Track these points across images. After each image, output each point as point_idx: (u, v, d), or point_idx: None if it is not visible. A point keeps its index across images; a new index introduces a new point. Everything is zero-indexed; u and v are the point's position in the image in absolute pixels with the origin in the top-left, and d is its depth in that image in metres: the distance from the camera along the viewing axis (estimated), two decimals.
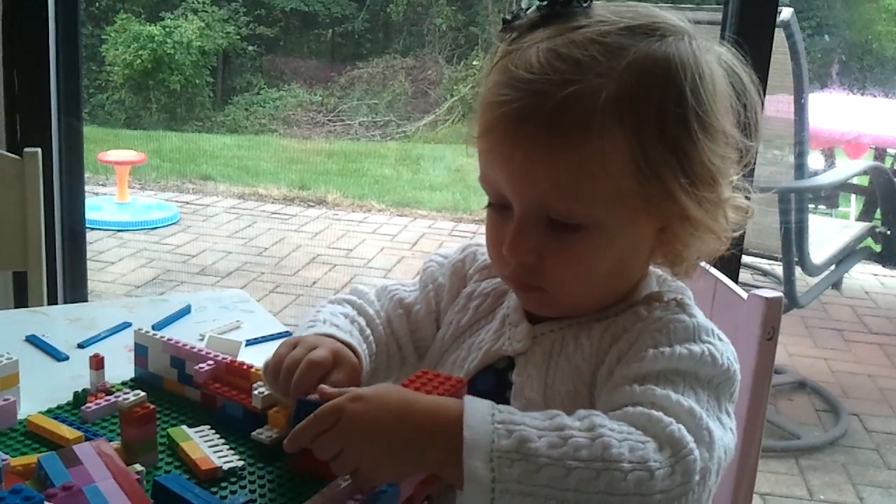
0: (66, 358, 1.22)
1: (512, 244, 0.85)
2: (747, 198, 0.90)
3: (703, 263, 0.93)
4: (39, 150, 1.70)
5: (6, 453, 0.89)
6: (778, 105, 3.01)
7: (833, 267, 3.30)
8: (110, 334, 1.30)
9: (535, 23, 0.86)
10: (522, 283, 0.88)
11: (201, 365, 1.02)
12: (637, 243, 0.87)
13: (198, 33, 6.85)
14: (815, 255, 3.13)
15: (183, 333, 1.18)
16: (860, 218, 3.90)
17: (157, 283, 4.17)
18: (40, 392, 1.04)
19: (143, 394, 0.91)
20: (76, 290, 2.22)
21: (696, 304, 0.91)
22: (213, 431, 0.95)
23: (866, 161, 4.24)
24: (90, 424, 0.97)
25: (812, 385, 3.31)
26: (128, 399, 0.89)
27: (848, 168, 3.83)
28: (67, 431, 0.93)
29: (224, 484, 0.86)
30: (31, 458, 0.84)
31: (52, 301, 1.99)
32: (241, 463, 0.89)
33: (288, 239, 4.92)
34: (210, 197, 5.55)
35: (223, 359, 1.03)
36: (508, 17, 0.88)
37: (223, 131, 6.94)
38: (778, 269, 3.56)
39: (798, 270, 3.10)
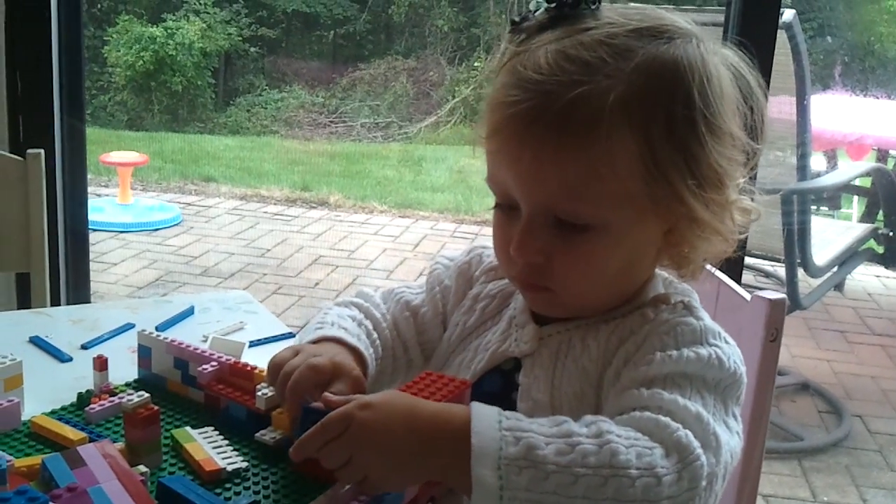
0: (70, 359, 1.22)
1: (520, 244, 0.85)
2: (751, 199, 0.90)
3: (707, 265, 0.93)
4: (42, 151, 1.70)
5: (10, 454, 0.89)
6: (780, 107, 3.01)
7: (835, 268, 3.30)
8: (114, 335, 1.30)
9: (543, 25, 0.86)
10: (530, 284, 0.88)
11: (205, 366, 1.02)
12: (644, 244, 0.87)
13: (199, 35, 6.86)
14: (817, 257, 3.12)
15: (186, 335, 1.18)
16: (862, 219, 3.90)
17: (160, 284, 4.17)
18: (44, 393, 1.04)
19: (146, 395, 0.91)
20: (79, 292, 2.22)
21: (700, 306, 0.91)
22: (216, 433, 0.94)
23: (868, 162, 4.24)
24: (94, 426, 0.97)
25: (815, 387, 3.31)
26: (132, 400, 0.89)
27: (850, 169, 3.83)
28: (71, 432, 0.93)
29: (228, 485, 0.86)
30: (36, 460, 0.84)
31: (55, 302, 1.99)
32: (244, 464, 0.89)
33: (290, 240, 4.92)
34: (212, 198, 5.56)
35: (227, 360, 1.03)
36: (517, 18, 0.88)
37: (225, 133, 6.95)
38: (780, 270, 3.56)
39: (800, 272, 3.10)
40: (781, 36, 2.79)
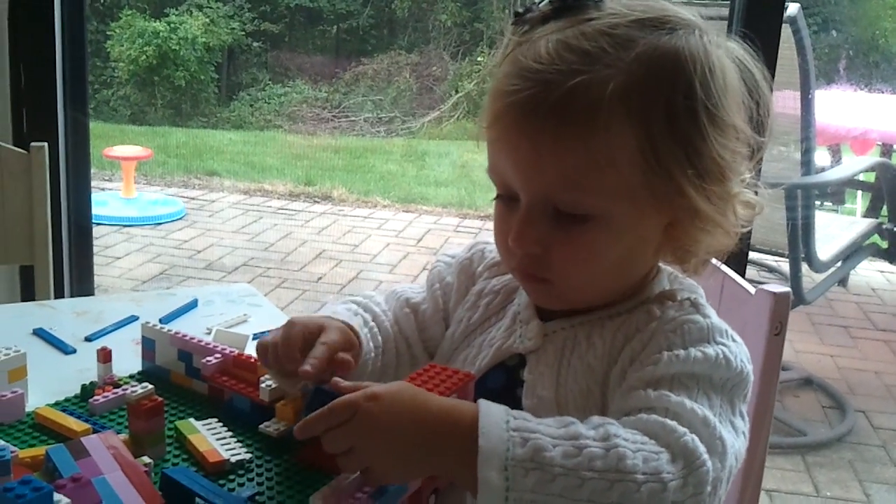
0: (74, 351, 1.22)
1: (518, 234, 0.85)
2: (755, 193, 0.89)
3: (712, 260, 0.93)
4: (46, 144, 1.70)
5: (15, 445, 0.89)
6: (784, 101, 3.00)
7: (839, 263, 3.29)
8: (118, 328, 1.30)
9: (546, 16, 0.86)
10: (528, 275, 0.88)
11: (209, 358, 1.02)
12: (644, 237, 0.86)
13: (203, 29, 6.86)
14: (821, 252, 3.12)
15: (190, 327, 1.18)
16: (866, 214, 3.89)
17: (164, 278, 4.17)
18: (48, 385, 1.04)
19: (150, 386, 0.91)
20: (83, 285, 2.23)
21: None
22: (220, 424, 0.95)
23: (873, 157, 4.23)
24: (98, 417, 0.97)
25: (818, 382, 3.30)
26: (135, 392, 0.89)
27: (854, 164, 3.82)
28: (75, 424, 0.93)
29: (232, 476, 0.87)
30: (40, 450, 0.84)
31: (59, 296, 1.99)
32: (248, 455, 0.89)
33: (294, 234, 4.93)
34: (216, 192, 5.56)
35: (230, 352, 1.03)
36: (521, 10, 0.88)
37: (228, 127, 6.95)
38: (784, 265, 3.55)
39: (804, 267, 3.10)
40: (786, 30, 2.79)
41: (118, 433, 0.89)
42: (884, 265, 4.46)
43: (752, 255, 3.44)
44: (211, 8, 7.04)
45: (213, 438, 0.91)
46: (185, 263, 4.36)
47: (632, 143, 0.80)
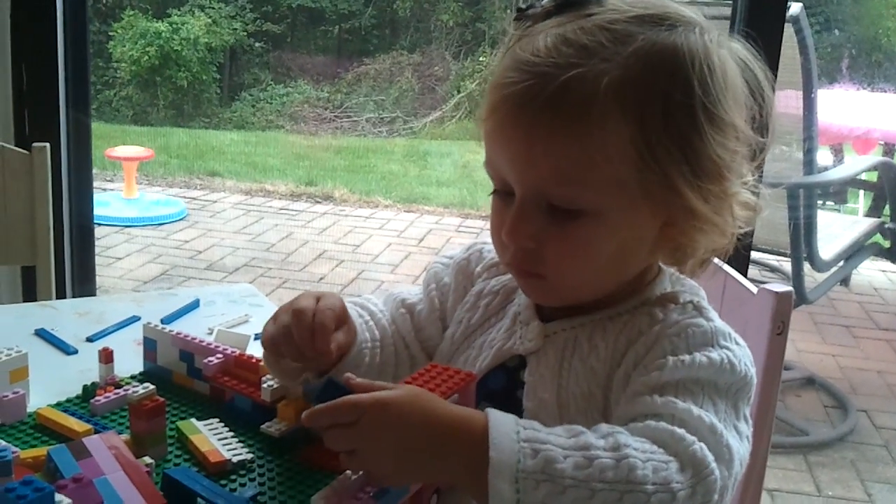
0: (75, 351, 1.22)
1: (511, 229, 0.84)
2: (756, 193, 0.88)
3: (709, 262, 0.92)
4: (48, 145, 1.70)
5: (16, 446, 0.89)
6: (787, 101, 3.00)
7: (841, 263, 3.29)
8: (119, 328, 1.30)
9: (548, 12, 0.86)
10: (522, 269, 0.88)
11: (210, 358, 1.02)
12: (638, 234, 0.85)
13: (205, 30, 6.87)
14: (823, 251, 3.11)
15: (191, 327, 1.18)
16: (869, 214, 3.88)
17: (165, 278, 4.17)
18: (50, 385, 1.04)
19: (152, 387, 0.91)
20: (84, 285, 2.23)
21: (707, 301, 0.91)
22: (222, 424, 0.95)
23: (875, 157, 4.22)
24: (99, 417, 0.98)
25: (820, 381, 3.30)
26: (137, 392, 0.89)
27: (857, 164, 3.81)
28: (77, 424, 0.93)
29: (233, 476, 0.87)
30: (41, 451, 0.84)
31: (61, 296, 1.99)
32: (250, 456, 0.89)
33: (295, 235, 4.93)
34: (217, 193, 5.56)
35: (232, 352, 1.03)
36: (523, 6, 0.88)
37: (230, 127, 6.96)
38: (786, 264, 3.55)
39: (806, 266, 3.09)
40: (788, 30, 2.78)
41: (120, 433, 0.89)
42: (886, 264, 4.45)
43: (754, 254, 3.44)
44: (213, 8, 7.05)
45: (215, 439, 0.91)
46: (187, 264, 4.37)
47: (625, 137, 0.80)
